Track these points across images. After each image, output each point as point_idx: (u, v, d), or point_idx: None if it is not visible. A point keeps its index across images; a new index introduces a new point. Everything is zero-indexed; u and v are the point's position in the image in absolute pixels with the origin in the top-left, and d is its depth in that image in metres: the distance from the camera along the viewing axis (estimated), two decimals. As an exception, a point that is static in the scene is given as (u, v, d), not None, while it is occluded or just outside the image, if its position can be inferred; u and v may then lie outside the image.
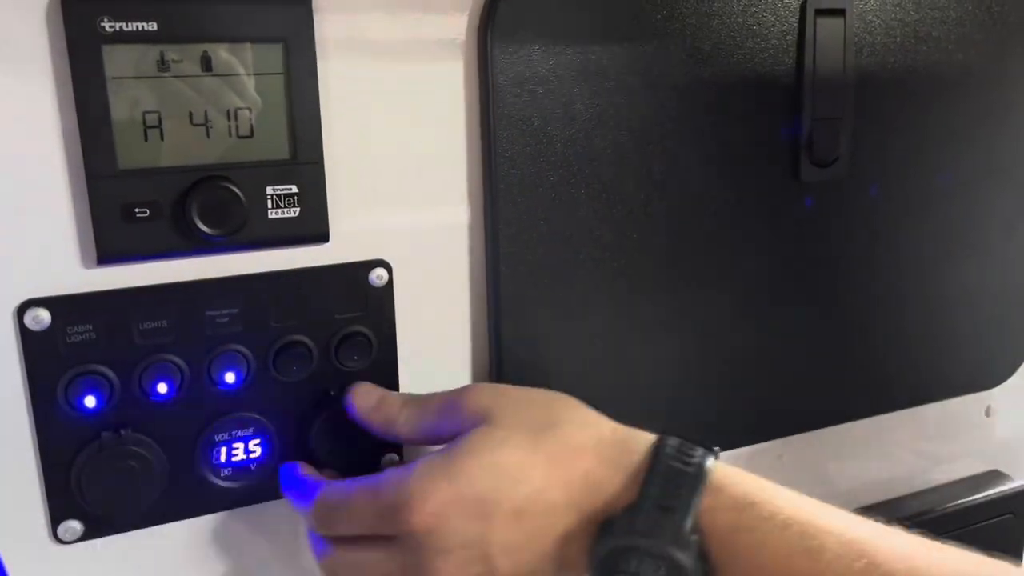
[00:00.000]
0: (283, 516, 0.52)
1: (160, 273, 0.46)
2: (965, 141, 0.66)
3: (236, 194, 0.45)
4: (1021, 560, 0.75)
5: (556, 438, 0.43)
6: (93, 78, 0.42)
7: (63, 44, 0.41)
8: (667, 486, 0.41)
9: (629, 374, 0.58)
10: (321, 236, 0.48)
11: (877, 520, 0.41)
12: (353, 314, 0.50)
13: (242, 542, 0.51)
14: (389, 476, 0.43)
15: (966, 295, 0.70)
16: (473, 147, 0.52)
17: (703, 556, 0.40)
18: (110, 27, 0.41)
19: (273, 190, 0.46)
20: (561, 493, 0.42)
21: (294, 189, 0.47)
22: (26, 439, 0.45)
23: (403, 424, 0.48)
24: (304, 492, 0.47)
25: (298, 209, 0.47)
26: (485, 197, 0.52)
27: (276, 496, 0.51)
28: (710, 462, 0.42)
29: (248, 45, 0.45)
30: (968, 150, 0.67)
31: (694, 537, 0.40)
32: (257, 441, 0.49)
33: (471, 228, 0.53)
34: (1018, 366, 0.75)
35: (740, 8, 0.56)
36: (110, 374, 0.45)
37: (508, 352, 0.54)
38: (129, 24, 0.42)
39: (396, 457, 0.53)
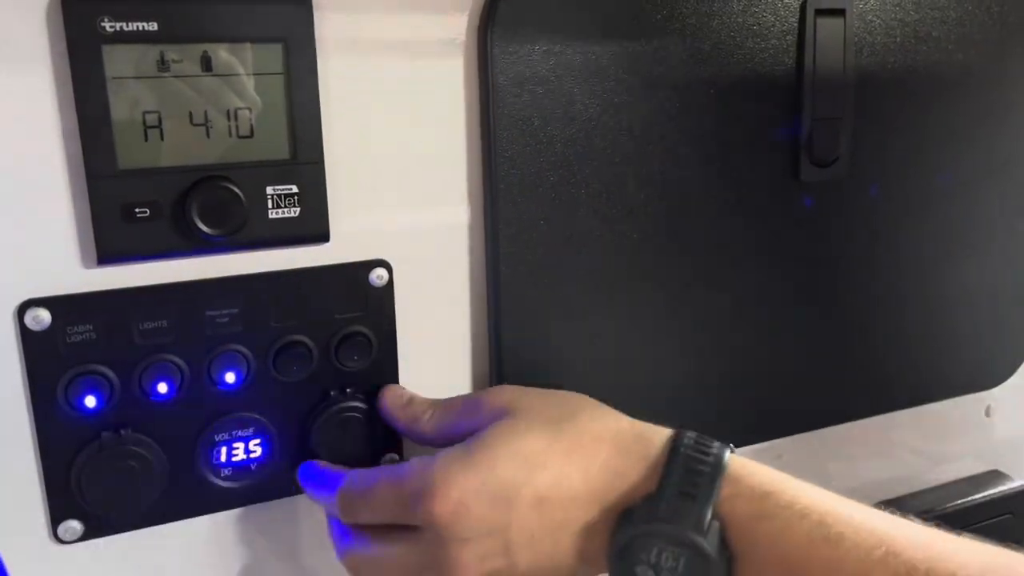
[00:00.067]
0: (283, 516, 0.52)
1: (160, 273, 0.46)
2: (965, 141, 0.66)
3: (236, 194, 0.45)
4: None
5: (576, 428, 0.44)
6: (93, 78, 0.42)
7: (63, 44, 0.41)
8: (687, 475, 0.42)
9: (629, 374, 0.58)
10: (321, 236, 0.48)
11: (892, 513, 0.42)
12: (353, 314, 0.50)
13: (242, 542, 0.51)
14: (413, 465, 0.44)
15: (966, 295, 0.70)
16: (473, 147, 0.52)
17: (724, 543, 0.41)
18: (110, 27, 0.42)
19: (273, 190, 0.46)
20: (581, 482, 0.43)
21: (294, 189, 0.47)
22: (26, 439, 0.45)
23: (427, 422, 0.49)
24: (327, 483, 0.47)
25: (298, 209, 0.47)
26: (485, 197, 0.52)
27: (276, 496, 0.51)
28: (727, 454, 0.43)
29: (248, 45, 0.45)
30: (968, 150, 0.67)
31: (715, 524, 0.41)
32: (257, 441, 0.49)
33: (471, 228, 0.53)
34: (1018, 366, 0.75)
35: (740, 8, 0.56)
36: (110, 374, 0.45)
37: (508, 352, 0.54)
38: (129, 24, 0.42)
39: (396, 457, 0.53)
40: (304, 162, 0.47)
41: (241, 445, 0.49)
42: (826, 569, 0.39)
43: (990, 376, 0.74)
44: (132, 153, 0.43)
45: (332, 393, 0.50)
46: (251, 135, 0.46)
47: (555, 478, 0.42)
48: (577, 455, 0.43)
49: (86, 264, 0.44)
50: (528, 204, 0.52)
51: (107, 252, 0.44)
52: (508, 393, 0.48)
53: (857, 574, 0.38)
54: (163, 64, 0.43)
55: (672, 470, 0.42)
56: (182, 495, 0.48)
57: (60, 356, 0.44)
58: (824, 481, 0.71)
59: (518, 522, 0.42)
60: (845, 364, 0.67)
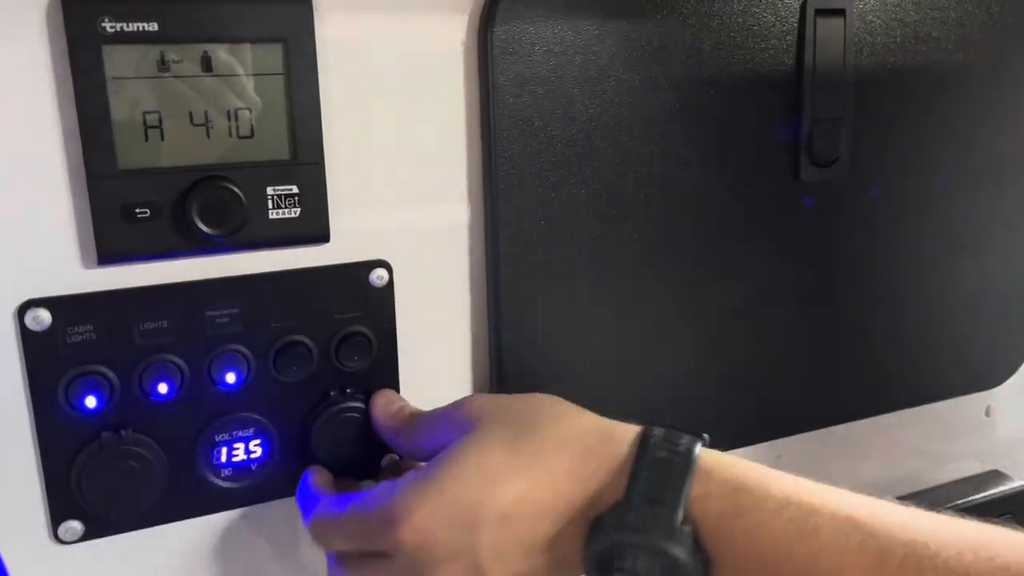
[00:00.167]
0: (283, 516, 0.52)
1: (160, 273, 0.46)
2: (965, 141, 0.66)
3: (236, 194, 0.45)
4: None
5: (537, 438, 0.43)
6: (93, 78, 0.42)
7: (63, 44, 0.41)
8: (655, 478, 0.40)
9: (629, 374, 0.58)
10: (321, 236, 0.48)
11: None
12: (353, 314, 0.50)
13: (242, 542, 0.51)
14: (376, 494, 0.43)
15: (966, 295, 0.70)
16: (473, 147, 0.52)
17: (698, 546, 0.40)
18: (110, 27, 0.42)
19: (273, 190, 0.46)
20: (547, 493, 0.42)
21: (294, 189, 0.47)
22: (26, 439, 0.45)
23: (406, 439, 0.49)
24: (306, 506, 0.47)
25: (298, 209, 0.47)
26: (485, 197, 0.52)
27: (276, 496, 0.51)
28: (698, 448, 0.41)
29: (248, 45, 0.45)
30: (968, 150, 0.67)
31: (686, 528, 0.40)
32: (257, 441, 0.49)
33: (471, 228, 0.53)
34: (1018, 366, 0.75)
35: (740, 8, 0.56)
36: (110, 374, 0.45)
37: (508, 352, 0.54)
38: (129, 24, 0.42)
39: (396, 457, 0.53)
40: (304, 162, 0.47)
41: (241, 445, 0.49)
42: (803, 564, 0.38)
43: (990, 376, 0.74)
44: (132, 153, 0.43)
45: (332, 393, 0.50)
46: (251, 135, 0.46)
47: (518, 493, 0.41)
48: (540, 467, 0.42)
49: (86, 264, 0.44)
50: (528, 204, 0.52)
51: (107, 252, 0.44)
52: (475, 404, 0.46)
53: (834, 566, 0.37)
54: (163, 64, 0.43)
55: (639, 474, 0.41)
56: (182, 495, 0.48)
57: (60, 356, 0.44)
58: (824, 481, 0.71)
59: (486, 541, 0.41)
60: (845, 364, 0.67)
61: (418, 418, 0.49)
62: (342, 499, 0.45)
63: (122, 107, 0.43)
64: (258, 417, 0.49)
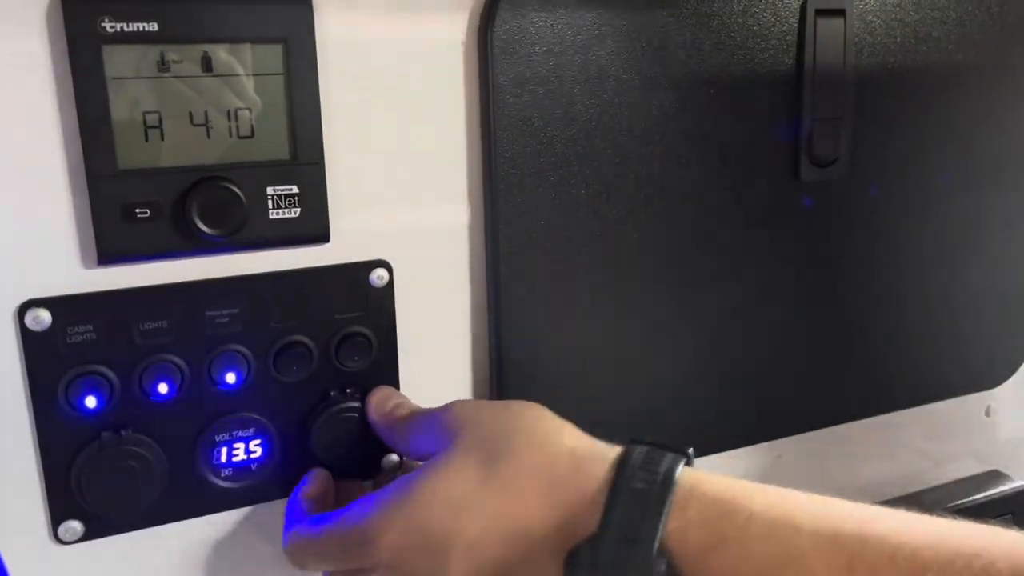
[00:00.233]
0: (283, 516, 0.52)
1: (160, 273, 0.46)
2: (965, 141, 0.66)
3: (236, 194, 0.45)
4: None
5: (508, 463, 0.41)
6: (93, 78, 0.42)
7: (63, 44, 0.41)
8: (630, 513, 0.38)
9: (629, 374, 0.58)
10: (321, 236, 0.48)
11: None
12: (353, 314, 0.50)
13: (242, 542, 0.51)
14: (350, 514, 0.43)
15: (966, 295, 0.70)
16: (473, 147, 0.52)
17: None
18: (110, 27, 0.42)
19: (273, 190, 0.46)
20: (517, 521, 0.40)
21: (295, 189, 0.47)
22: (26, 439, 0.45)
23: (397, 441, 0.48)
24: (286, 526, 0.47)
25: (299, 209, 0.47)
26: (485, 197, 0.52)
27: (276, 496, 0.51)
28: (679, 470, 0.39)
29: (248, 45, 0.45)
30: (968, 150, 0.67)
31: (662, 565, 0.37)
32: (257, 441, 0.49)
33: (471, 228, 0.53)
34: (1018, 366, 0.75)
35: (740, 8, 0.56)
36: (110, 374, 0.45)
37: (508, 352, 0.54)
38: (129, 24, 0.42)
39: (395, 458, 0.53)
40: (304, 162, 0.47)
41: (241, 445, 0.49)
42: None
43: (990, 376, 0.74)
44: (132, 153, 0.43)
45: (332, 393, 0.50)
46: (251, 135, 0.46)
47: (487, 520, 0.40)
48: (509, 495, 0.40)
49: (86, 264, 0.44)
50: (528, 204, 0.52)
51: (107, 252, 0.44)
52: (456, 415, 0.45)
53: None
54: (163, 64, 0.43)
55: (613, 509, 0.39)
56: (182, 495, 0.48)
57: (60, 356, 0.44)
58: (824, 481, 0.71)
59: (457, 568, 0.40)
60: (845, 364, 0.67)
61: (409, 420, 0.48)
62: (318, 520, 0.45)
63: (122, 107, 0.43)
64: (258, 417, 0.49)
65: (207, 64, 0.44)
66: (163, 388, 0.46)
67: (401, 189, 0.51)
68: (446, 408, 0.46)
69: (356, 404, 0.51)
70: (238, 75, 0.45)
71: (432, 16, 0.49)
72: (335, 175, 0.48)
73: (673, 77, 0.55)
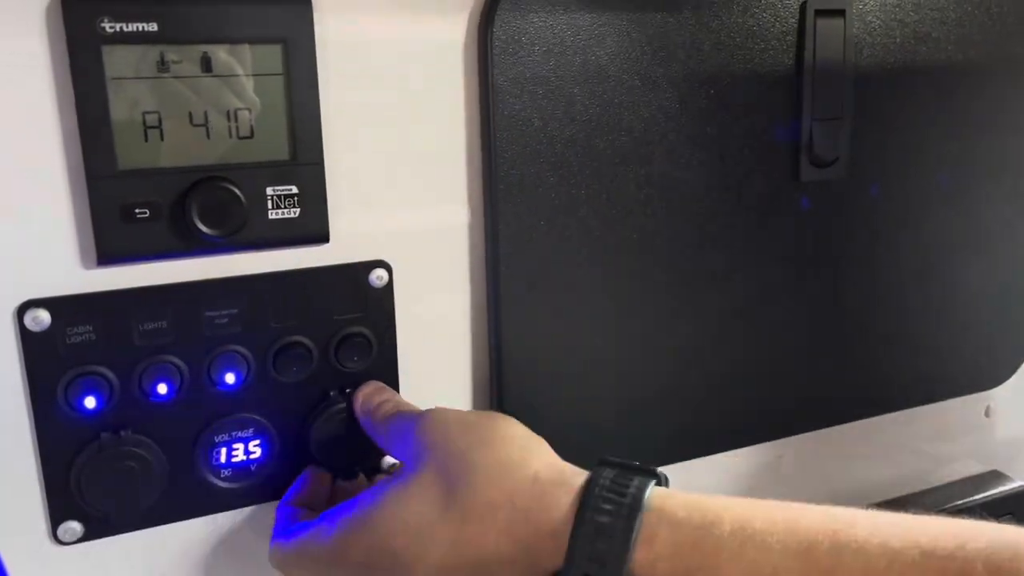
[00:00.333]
0: (283, 517, 0.52)
1: (160, 274, 0.46)
2: (965, 141, 0.66)
3: (236, 195, 0.45)
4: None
5: (468, 495, 0.40)
6: (93, 78, 0.42)
7: (63, 44, 0.41)
8: (595, 548, 0.37)
9: (628, 374, 0.58)
10: (321, 237, 0.48)
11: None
12: (353, 315, 0.50)
13: (242, 543, 0.51)
14: (318, 531, 0.43)
15: (966, 295, 0.70)
16: (473, 147, 0.52)
17: None
18: (110, 28, 0.41)
19: (273, 191, 0.46)
20: (480, 551, 0.40)
21: (294, 190, 0.47)
22: (26, 440, 0.45)
23: (381, 439, 0.48)
24: (274, 532, 0.47)
25: (298, 210, 0.47)
26: (485, 198, 0.52)
27: (275, 497, 0.51)
28: (647, 495, 0.38)
29: (247, 46, 0.45)
30: (968, 150, 0.67)
31: None
32: (257, 442, 0.49)
33: (471, 229, 0.53)
34: (1018, 366, 0.75)
35: (740, 8, 0.56)
36: (110, 375, 0.45)
37: (508, 352, 0.54)
38: (129, 25, 0.42)
39: (393, 460, 0.53)
40: (304, 163, 0.47)
41: (241, 446, 0.49)
42: None
43: (990, 377, 0.74)
44: (132, 153, 0.43)
45: (332, 394, 0.50)
46: (251, 136, 0.46)
47: (448, 547, 0.40)
48: (470, 525, 0.40)
49: (86, 265, 0.44)
50: (528, 204, 0.52)
51: (107, 253, 0.44)
52: (428, 429, 0.44)
53: None
54: (163, 65, 0.43)
55: (577, 545, 0.38)
56: (182, 496, 0.48)
57: (60, 357, 0.44)
58: (824, 482, 0.72)
59: None
60: (845, 364, 0.67)
61: (390, 420, 0.48)
62: (296, 529, 0.45)
63: (122, 107, 0.43)
64: (257, 418, 0.49)
65: (207, 64, 0.44)
66: (162, 388, 0.46)
67: (401, 189, 0.51)
68: (421, 419, 0.45)
69: None
70: (238, 75, 0.45)
71: (432, 16, 0.49)
72: (335, 175, 0.48)
73: (673, 77, 0.55)
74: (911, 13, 0.62)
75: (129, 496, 0.47)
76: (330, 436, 0.50)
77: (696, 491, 0.40)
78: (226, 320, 0.47)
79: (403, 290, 0.52)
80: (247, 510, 0.51)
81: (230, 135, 0.45)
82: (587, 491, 0.39)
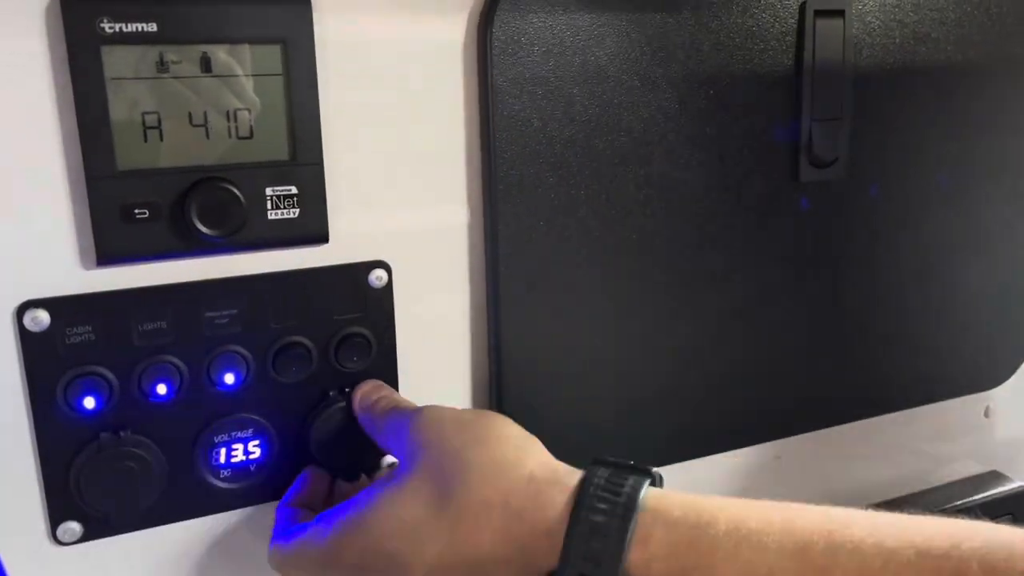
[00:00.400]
0: (282, 517, 0.52)
1: (159, 274, 0.46)
2: (964, 141, 0.66)
3: (235, 195, 0.45)
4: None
5: (462, 495, 0.40)
6: (92, 79, 0.42)
7: (62, 45, 0.41)
8: (590, 548, 0.37)
9: (628, 374, 0.58)
10: (321, 237, 0.48)
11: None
12: (352, 315, 0.50)
13: (241, 543, 0.51)
14: (314, 532, 0.43)
15: (966, 295, 0.70)
16: (473, 148, 0.52)
17: None
18: (109, 28, 0.41)
19: (272, 191, 0.46)
20: (475, 551, 0.40)
21: (294, 190, 0.47)
22: (25, 440, 0.45)
23: (377, 435, 0.48)
24: (274, 533, 0.47)
25: (298, 210, 0.47)
26: (485, 198, 0.52)
27: (275, 497, 0.51)
28: (642, 494, 0.38)
29: (247, 46, 0.45)
30: (968, 150, 0.67)
31: None
32: (256, 442, 0.49)
33: (471, 229, 0.53)
34: (1018, 367, 0.75)
35: (739, 9, 0.56)
36: (109, 375, 0.45)
37: (507, 353, 0.54)
38: (128, 25, 0.42)
39: (393, 459, 0.53)
40: (303, 163, 0.47)
41: (240, 446, 0.49)
42: None
43: (990, 377, 0.74)
44: (131, 154, 0.43)
45: (331, 394, 0.50)
46: (250, 136, 0.46)
47: (443, 548, 0.40)
48: (464, 525, 0.40)
49: (85, 265, 0.44)
50: (527, 205, 0.52)
51: (106, 253, 0.44)
52: (422, 428, 0.44)
53: None
54: (162, 65, 0.43)
55: (572, 545, 0.37)
56: (181, 496, 0.48)
57: (59, 357, 0.44)
58: (823, 482, 0.71)
59: None
60: (845, 364, 0.67)
61: (386, 416, 0.48)
62: (295, 531, 0.45)
63: (121, 108, 0.43)
64: (257, 418, 0.49)
65: (206, 65, 0.44)
66: (162, 389, 0.46)
67: (400, 189, 0.51)
68: (416, 416, 0.45)
69: None
70: (237, 76, 0.45)
71: (431, 16, 0.49)
72: (334, 175, 0.48)
73: (672, 78, 0.55)
74: (910, 14, 0.62)
75: (128, 496, 0.47)
76: (330, 436, 0.50)
77: (695, 491, 0.40)
78: (226, 320, 0.47)
79: (403, 290, 0.52)
80: (246, 510, 0.51)
81: (229, 135, 0.45)
82: (582, 490, 0.39)
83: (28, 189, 0.43)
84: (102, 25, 0.41)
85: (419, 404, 0.50)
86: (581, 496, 0.39)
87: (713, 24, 0.55)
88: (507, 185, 0.51)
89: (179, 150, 0.44)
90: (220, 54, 0.44)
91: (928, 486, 0.76)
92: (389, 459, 0.53)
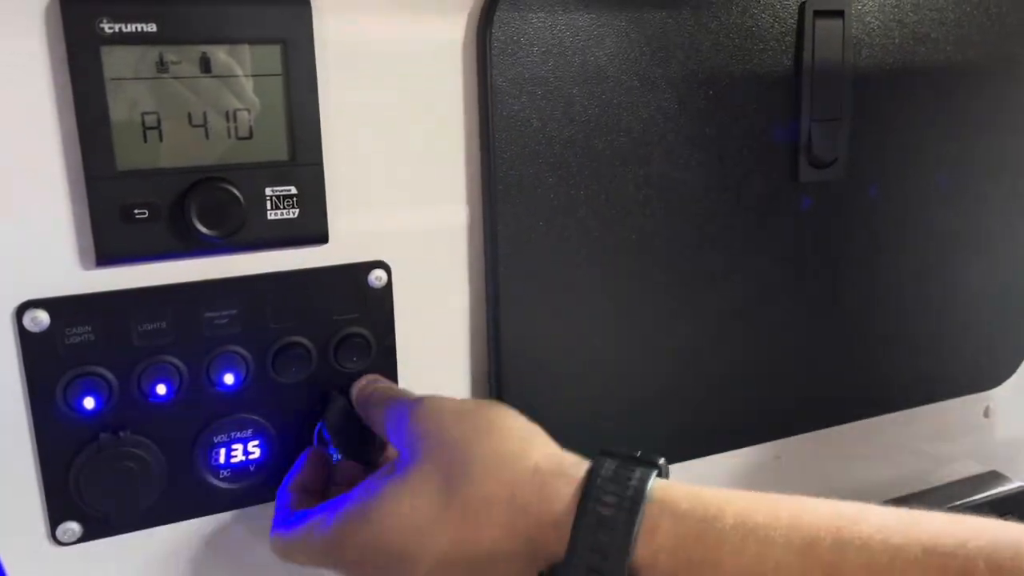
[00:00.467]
0: (282, 517, 0.52)
1: (159, 274, 0.46)
2: (964, 141, 0.66)
3: (235, 195, 0.45)
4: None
5: (468, 489, 0.40)
6: (92, 79, 0.42)
7: (62, 45, 0.41)
8: (596, 540, 0.37)
9: (627, 374, 0.58)
10: (320, 237, 0.48)
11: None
12: (352, 315, 0.50)
13: (241, 543, 0.51)
14: (317, 521, 0.43)
15: (966, 295, 0.70)
16: (472, 148, 0.52)
17: None
18: (109, 28, 0.41)
19: (272, 191, 0.46)
20: (480, 546, 0.39)
21: (293, 190, 0.47)
22: (25, 440, 0.45)
23: (373, 422, 0.48)
24: (275, 519, 0.47)
25: (297, 210, 0.47)
26: (484, 198, 0.52)
27: (275, 498, 0.51)
28: (649, 485, 0.38)
29: (247, 46, 0.45)
30: (967, 150, 0.67)
31: None
32: (256, 442, 0.49)
33: (470, 229, 0.53)
34: (1018, 366, 0.75)
35: (739, 9, 0.56)
36: (109, 375, 0.45)
37: (507, 353, 0.54)
38: (128, 25, 0.42)
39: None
40: (303, 163, 0.47)
41: (240, 446, 0.49)
42: None
43: (989, 377, 0.74)
44: (131, 154, 0.43)
45: (331, 394, 0.50)
46: (250, 136, 0.46)
47: (449, 544, 0.39)
48: (470, 520, 0.39)
49: (85, 265, 0.44)
50: (527, 205, 0.52)
51: (106, 253, 0.44)
52: (423, 419, 0.43)
53: None
54: (162, 65, 0.43)
55: (579, 535, 0.37)
56: (181, 496, 0.48)
57: (59, 357, 0.44)
58: (823, 482, 0.71)
59: None
60: (844, 364, 0.67)
61: (385, 405, 0.47)
62: (296, 519, 0.45)
63: (121, 108, 0.43)
64: (257, 418, 0.49)
65: (206, 65, 0.44)
66: (162, 389, 0.46)
67: (400, 190, 0.51)
68: (416, 406, 0.45)
69: None
70: (237, 76, 0.45)
71: (431, 16, 0.49)
72: (334, 176, 0.48)
73: (672, 78, 0.55)
74: (910, 14, 0.62)
75: (128, 497, 0.47)
76: (344, 422, 0.49)
77: (696, 491, 0.39)
78: (225, 321, 0.47)
79: (402, 290, 0.52)
80: (246, 511, 0.51)
81: (229, 136, 0.45)
82: (589, 482, 0.39)
83: (28, 189, 0.43)
84: (102, 25, 0.41)
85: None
86: (588, 488, 0.38)
87: (712, 24, 0.55)
88: (507, 185, 0.51)
89: (179, 150, 0.44)
90: (220, 54, 0.44)
91: (928, 486, 0.76)
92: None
